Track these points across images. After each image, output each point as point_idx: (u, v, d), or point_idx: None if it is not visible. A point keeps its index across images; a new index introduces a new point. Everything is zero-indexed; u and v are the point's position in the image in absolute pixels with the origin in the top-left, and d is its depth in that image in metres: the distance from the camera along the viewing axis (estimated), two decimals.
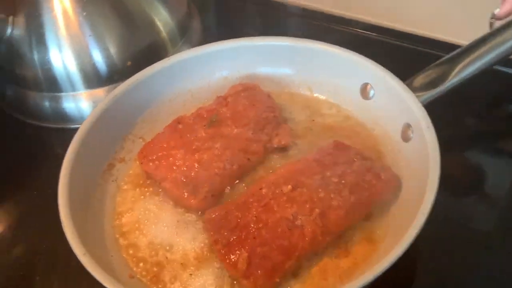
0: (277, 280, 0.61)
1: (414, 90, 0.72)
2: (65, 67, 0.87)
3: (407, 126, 0.72)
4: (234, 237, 0.62)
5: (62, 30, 0.85)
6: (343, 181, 0.66)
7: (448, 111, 0.79)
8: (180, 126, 0.76)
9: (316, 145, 0.75)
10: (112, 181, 0.76)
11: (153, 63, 0.81)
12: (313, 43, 0.82)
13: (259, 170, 0.75)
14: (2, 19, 0.84)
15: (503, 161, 0.84)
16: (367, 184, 0.66)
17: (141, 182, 0.75)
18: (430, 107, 0.70)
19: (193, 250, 0.66)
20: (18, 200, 0.84)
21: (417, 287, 0.68)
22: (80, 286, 0.71)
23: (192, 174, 0.70)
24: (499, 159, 0.84)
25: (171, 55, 0.83)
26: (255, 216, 0.63)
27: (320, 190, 0.65)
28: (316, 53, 0.82)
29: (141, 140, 0.80)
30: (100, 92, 0.90)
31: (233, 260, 0.61)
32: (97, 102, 0.87)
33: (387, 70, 0.76)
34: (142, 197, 0.74)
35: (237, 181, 0.73)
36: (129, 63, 0.89)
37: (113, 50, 0.88)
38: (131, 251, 0.68)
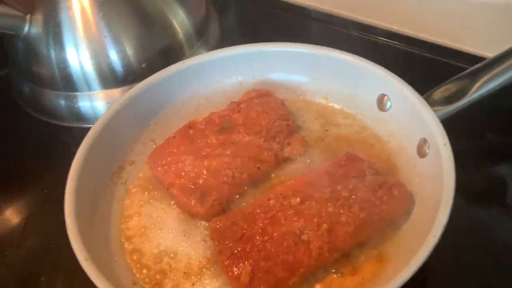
0: None
1: (432, 104, 0.70)
2: (81, 67, 0.87)
3: (424, 141, 0.70)
4: (239, 249, 0.61)
5: (79, 30, 0.85)
6: (353, 196, 0.64)
7: (470, 123, 0.77)
8: (191, 131, 0.75)
9: (328, 155, 0.74)
10: (121, 183, 0.75)
11: (169, 65, 0.81)
12: (332, 51, 0.80)
13: (269, 179, 0.73)
14: (20, 17, 0.85)
15: None
16: (378, 201, 0.64)
17: (150, 186, 0.75)
18: (450, 120, 0.69)
19: (197, 259, 0.66)
20: (28, 198, 0.85)
21: None
22: (84, 287, 0.71)
23: (201, 181, 0.70)
24: None
25: (188, 57, 0.83)
26: (261, 228, 0.62)
27: (329, 204, 0.63)
28: (334, 61, 0.80)
29: (152, 143, 0.80)
30: (115, 92, 0.90)
31: (236, 273, 0.60)
32: (112, 102, 0.86)
33: (406, 83, 0.73)
34: (151, 201, 0.73)
35: (246, 187, 0.72)
36: (144, 64, 0.89)
37: (129, 51, 0.88)
38: (135, 257, 0.67)
